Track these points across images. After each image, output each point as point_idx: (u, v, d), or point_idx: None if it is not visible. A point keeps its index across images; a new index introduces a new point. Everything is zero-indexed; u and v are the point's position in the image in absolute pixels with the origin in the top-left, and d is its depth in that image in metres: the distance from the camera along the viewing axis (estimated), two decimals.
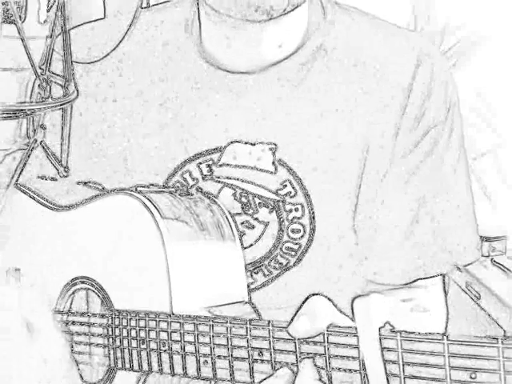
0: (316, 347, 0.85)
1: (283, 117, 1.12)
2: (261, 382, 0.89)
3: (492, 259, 1.74)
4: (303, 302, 0.86)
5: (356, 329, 0.81)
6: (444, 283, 1.18)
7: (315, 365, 0.85)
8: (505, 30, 1.76)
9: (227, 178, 1.13)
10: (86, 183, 1.16)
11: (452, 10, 1.78)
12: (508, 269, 1.70)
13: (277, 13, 1.06)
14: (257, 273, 1.13)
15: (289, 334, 0.86)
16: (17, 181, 1.10)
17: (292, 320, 0.86)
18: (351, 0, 1.23)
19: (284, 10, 1.07)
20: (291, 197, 1.11)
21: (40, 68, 1.09)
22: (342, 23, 1.16)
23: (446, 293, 1.19)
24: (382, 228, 1.13)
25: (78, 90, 1.13)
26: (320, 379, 0.84)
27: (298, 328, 0.85)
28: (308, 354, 0.85)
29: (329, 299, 0.86)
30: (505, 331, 1.60)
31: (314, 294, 0.87)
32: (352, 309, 0.82)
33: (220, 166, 1.12)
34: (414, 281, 1.14)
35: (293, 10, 1.08)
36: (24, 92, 1.10)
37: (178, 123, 1.14)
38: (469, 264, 1.16)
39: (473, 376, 0.75)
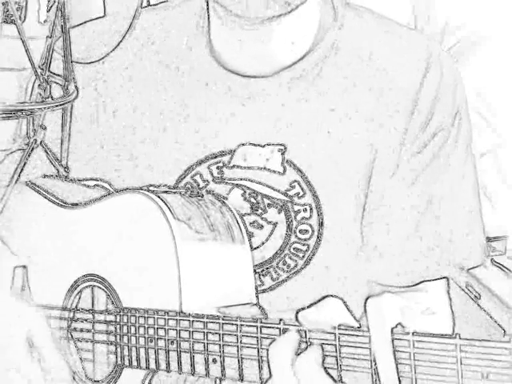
0: (327, 341, 0.85)
1: (292, 119, 1.12)
2: (270, 344, 0.89)
3: (492, 259, 1.74)
4: (319, 300, 0.86)
5: (368, 328, 0.82)
6: (448, 286, 1.18)
7: (324, 353, 0.85)
8: (505, 29, 1.75)
9: (237, 178, 1.13)
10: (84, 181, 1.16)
11: (452, 10, 1.78)
12: (508, 269, 1.70)
13: (295, 3, 1.06)
14: (265, 275, 1.13)
15: (297, 319, 0.87)
16: (17, 180, 1.10)
17: (304, 309, 0.86)
18: (353, 0, 1.23)
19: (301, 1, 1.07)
20: (299, 197, 1.11)
21: (40, 68, 1.09)
22: (352, 24, 1.16)
23: (449, 296, 1.19)
24: (388, 229, 1.13)
25: (77, 90, 1.13)
26: (324, 368, 0.85)
27: (308, 316, 0.86)
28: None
29: (345, 304, 0.87)
30: (505, 331, 1.60)
31: (330, 295, 0.87)
32: (365, 308, 0.82)
33: (230, 167, 1.12)
34: (419, 283, 1.14)
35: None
36: (24, 92, 1.10)
37: (188, 125, 1.14)
38: (474, 267, 1.16)
39: (484, 375, 0.75)
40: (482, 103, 1.77)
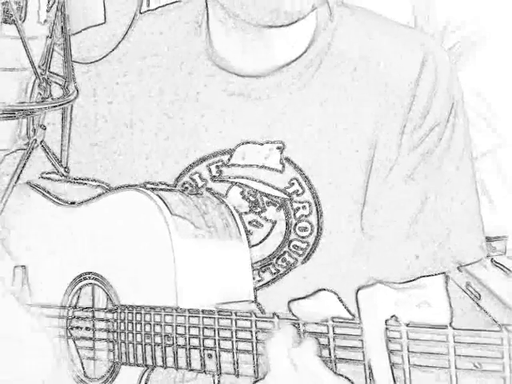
0: (320, 333, 0.85)
1: (291, 117, 1.13)
2: (266, 338, 0.89)
3: (492, 259, 1.73)
4: (313, 293, 0.87)
5: (360, 320, 0.82)
6: (447, 282, 1.18)
7: (319, 344, 0.86)
8: (505, 29, 1.76)
9: (236, 177, 1.13)
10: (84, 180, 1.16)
11: (452, 10, 1.78)
12: (508, 269, 1.70)
13: (301, 15, 1.07)
14: (264, 271, 1.13)
15: (290, 310, 0.87)
16: (17, 180, 1.10)
17: (297, 299, 0.87)
18: (353, 0, 1.23)
19: (307, 12, 1.08)
20: (298, 195, 1.12)
21: (40, 68, 1.09)
22: (347, 23, 1.16)
23: (448, 292, 1.19)
24: (386, 225, 1.14)
25: (77, 90, 1.13)
26: (320, 358, 0.85)
27: (302, 308, 0.86)
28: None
29: (339, 298, 0.87)
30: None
31: (324, 289, 0.87)
32: (356, 299, 0.82)
33: (229, 166, 1.13)
34: (417, 278, 1.15)
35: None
36: (24, 92, 1.10)
37: (187, 125, 1.15)
38: (472, 263, 1.16)
39: (477, 364, 0.76)
40: (482, 103, 1.77)
